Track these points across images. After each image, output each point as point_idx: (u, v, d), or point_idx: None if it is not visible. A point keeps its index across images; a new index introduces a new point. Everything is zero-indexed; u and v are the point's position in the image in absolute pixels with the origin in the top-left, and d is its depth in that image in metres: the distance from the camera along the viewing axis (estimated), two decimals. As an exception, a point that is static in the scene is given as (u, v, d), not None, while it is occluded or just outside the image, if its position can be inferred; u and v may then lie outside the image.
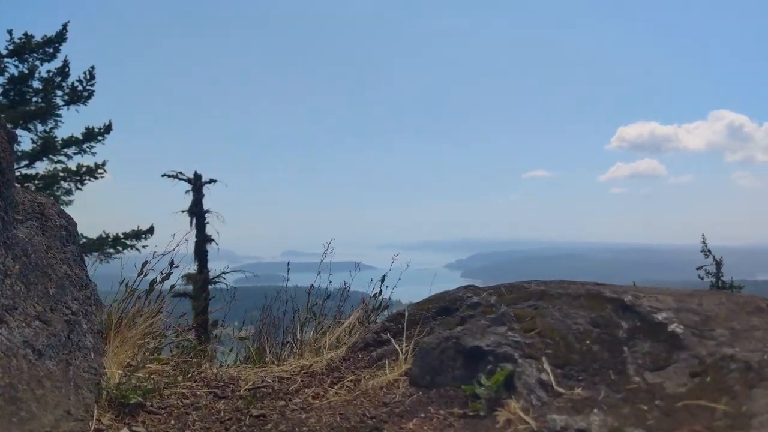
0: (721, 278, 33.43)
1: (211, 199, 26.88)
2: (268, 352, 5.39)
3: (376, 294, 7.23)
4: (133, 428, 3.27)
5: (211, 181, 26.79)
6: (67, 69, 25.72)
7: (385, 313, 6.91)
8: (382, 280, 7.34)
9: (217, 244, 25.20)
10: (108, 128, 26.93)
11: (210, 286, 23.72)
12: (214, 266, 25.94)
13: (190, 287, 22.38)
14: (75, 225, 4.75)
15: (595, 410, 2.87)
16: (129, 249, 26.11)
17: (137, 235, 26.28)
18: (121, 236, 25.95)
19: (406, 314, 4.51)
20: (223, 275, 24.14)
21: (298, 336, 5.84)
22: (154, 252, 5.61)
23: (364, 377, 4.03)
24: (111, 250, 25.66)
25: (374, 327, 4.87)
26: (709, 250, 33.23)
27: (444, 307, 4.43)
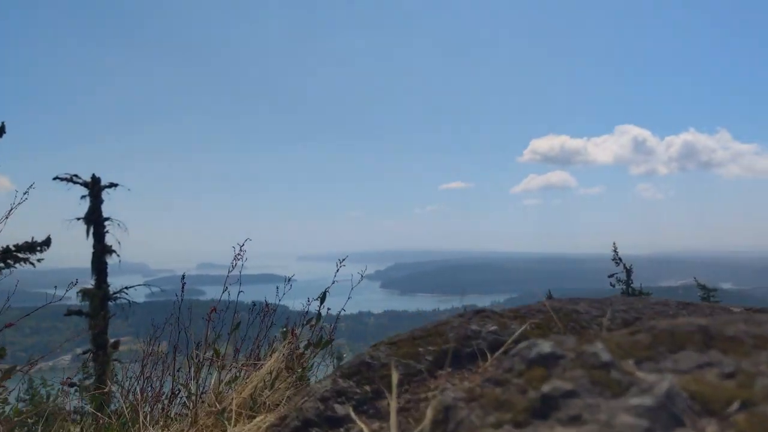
0: (631, 285, 34.78)
1: (114, 207, 24.56)
2: (141, 415, 3.67)
3: (310, 321, 4.85)
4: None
5: (112, 185, 23.99)
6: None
7: (333, 357, 4.96)
8: (322, 299, 5.07)
9: (118, 255, 22.69)
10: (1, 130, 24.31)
11: (111, 302, 21.73)
12: (122, 280, 23.88)
13: (87, 304, 20.54)
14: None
15: None
16: (22, 264, 22.77)
17: (31, 247, 23.01)
18: (13, 249, 22.76)
19: (376, 363, 2.39)
20: (125, 290, 21.99)
21: (192, 388, 3.76)
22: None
23: None
24: (0, 265, 22.76)
25: (319, 389, 2.37)
26: (620, 259, 34.53)
27: (448, 352, 2.37)
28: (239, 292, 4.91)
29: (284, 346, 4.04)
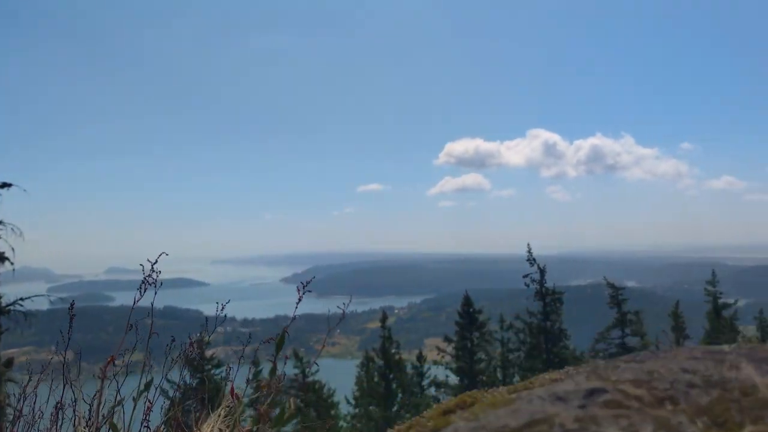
0: (545, 285, 35.86)
1: (9, 210, 21.97)
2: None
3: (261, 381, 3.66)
4: None
5: (5, 185, 21.48)
6: None
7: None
8: (279, 345, 3.75)
9: (12, 262, 20.58)
10: None
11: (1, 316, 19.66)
12: (23, 287, 21.89)
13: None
14: None
15: None
16: None
17: None
18: None
19: None
20: (20, 301, 19.90)
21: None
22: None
23: None
24: None
25: None
26: (534, 259, 35.52)
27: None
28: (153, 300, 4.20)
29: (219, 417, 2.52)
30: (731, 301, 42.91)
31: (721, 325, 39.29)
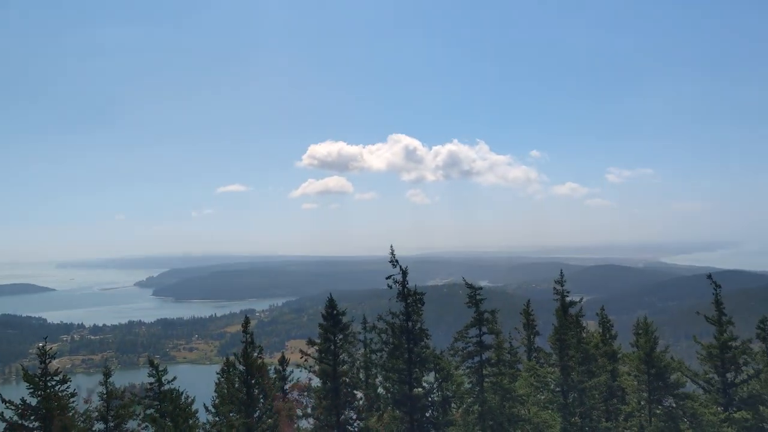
0: (407, 286, 36.43)
1: None
2: None
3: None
4: None
5: None
6: None
7: None
8: None
9: None
10: None
11: None
12: None
13: None
14: None
15: None
16: None
17: None
18: None
19: None
20: None
21: None
22: None
23: None
24: None
25: None
26: (397, 261, 35.97)
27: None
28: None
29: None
30: (577, 299, 45.86)
31: (567, 321, 41.83)
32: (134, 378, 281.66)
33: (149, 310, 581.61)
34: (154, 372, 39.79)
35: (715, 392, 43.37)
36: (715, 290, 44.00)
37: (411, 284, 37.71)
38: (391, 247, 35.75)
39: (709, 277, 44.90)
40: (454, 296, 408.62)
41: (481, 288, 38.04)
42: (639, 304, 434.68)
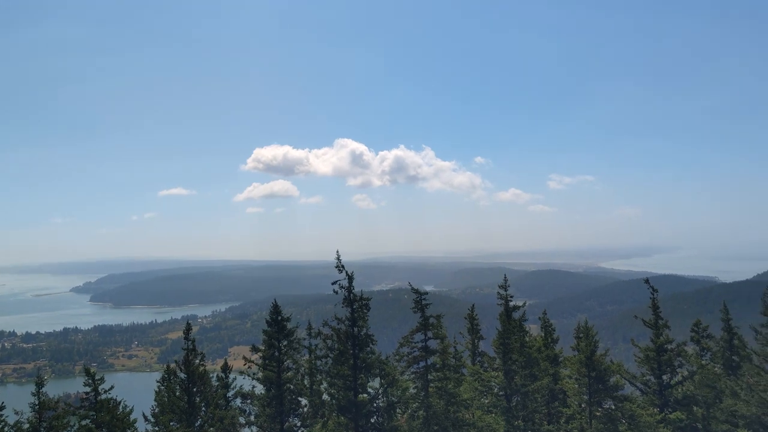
0: (353, 291, 36.14)
1: None
2: None
3: None
4: None
5: None
6: None
7: None
8: None
9: None
10: None
11: None
12: None
13: None
14: None
15: None
16: None
17: None
18: None
19: None
20: None
21: None
22: None
23: None
24: None
25: None
26: (343, 266, 35.68)
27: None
28: None
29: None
30: (520, 303, 46.57)
31: (511, 326, 42.36)
32: (70, 387, 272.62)
33: (86, 316, 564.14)
34: (90, 381, 38.36)
35: (652, 394, 44.72)
36: (652, 295, 45.40)
37: (357, 289, 37.53)
38: (337, 252, 35.54)
39: (647, 281, 46.31)
40: (399, 301, 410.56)
41: (426, 293, 38.14)
42: (579, 308, 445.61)
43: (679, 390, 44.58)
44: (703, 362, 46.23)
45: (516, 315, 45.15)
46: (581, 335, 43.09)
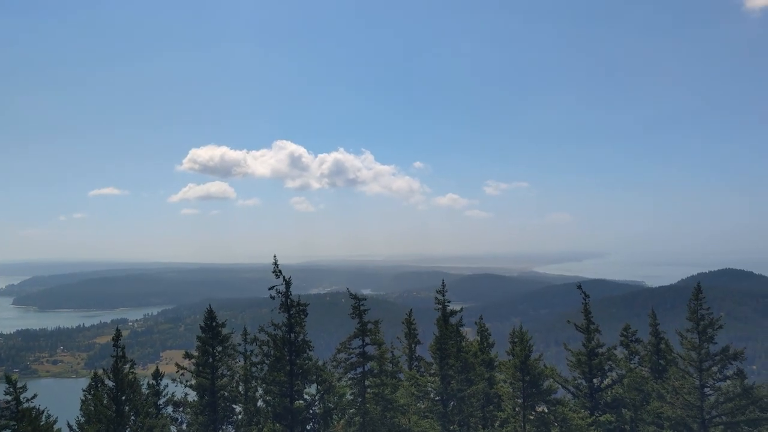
0: (290, 296, 35.62)
1: None
2: None
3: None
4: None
5: None
6: None
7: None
8: None
9: None
10: None
11: None
12: None
13: None
14: None
15: None
16: None
17: None
18: None
19: None
20: None
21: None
22: None
23: None
24: None
25: None
26: (280, 271, 35.13)
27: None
28: None
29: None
30: (457, 308, 46.95)
31: (448, 331, 42.63)
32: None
33: (8, 320, 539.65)
34: (11, 389, 36.54)
35: (583, 397, 45.84)
36: (584, 300, 46.58)
37: (294, 293, 37.09)
38: (275, 257, 34.99)
39: (579, 287, 47.42)
40: (336, 305, 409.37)
41: (364, 299, 37.95)
42: (514, 312, 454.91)
43: (609, 393, 45.82)
44: (632, 366, 47.69)
45: (453, 320, 45.49)
46: (516, 340, 43.77)
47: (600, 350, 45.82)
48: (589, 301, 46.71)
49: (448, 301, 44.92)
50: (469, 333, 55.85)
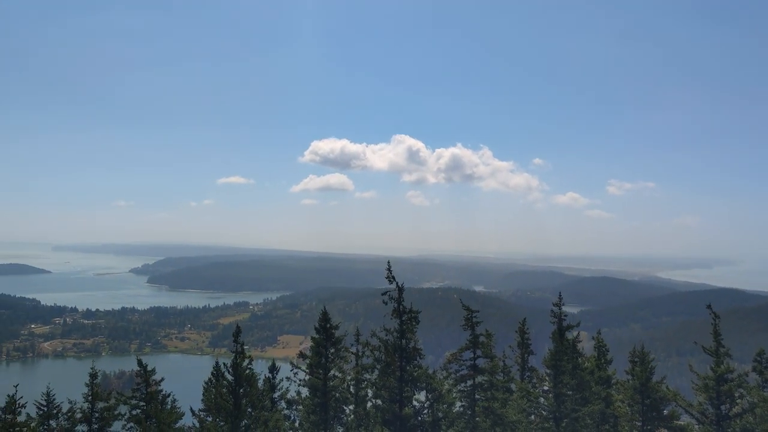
0: (402, 303, 35.36)
1: None
2: None
3: None
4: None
5: None
6: None
7: None
8: None
9: None
10: None
11: None
12: None
13: None
14: None
15: None
16: None
17: None
18: None
19: None
20: None
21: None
22: None
23: None
24: None
25: None
26: (393, 277, 35.06)
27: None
28: None
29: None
30: (574, 320, 45.15)
31: (564, 347, 41.15)
32: (124, 365, 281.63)
33: (143, 297, 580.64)
34: (141, 371, 39.08)
35: (709, 424, 42.79)
36: (714, 321, 43.35)
37: (406, 285, 37.01)
38: (389, 263, 35.08)
39: (709, 307, 44.28)
40: (448, 300, 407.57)
41: (477, 311, 37.37)
42: (633, 318, 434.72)
43: (738, 422, 42.58)
44: (765, 395, 44.07)
45: (569, 334, 43.84)
46: (636, 360, 41.63)
47: (730, 376, 42.61)
48: (719, 322, 43.51)
49: (565, 315, 43.32)
50: (585, 337, 53.61)
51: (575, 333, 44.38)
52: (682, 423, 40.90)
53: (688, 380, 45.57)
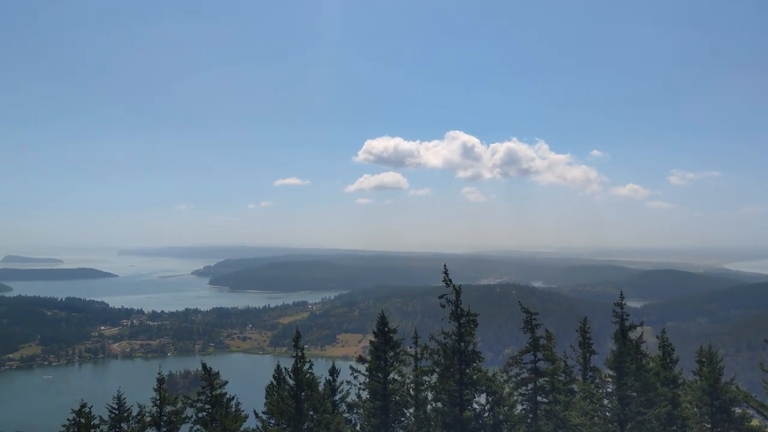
0: (460, 306, 35.08)
1: None
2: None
3: None
4: None
5: None
6: None
7: None
8: None
9: None
10: None
11: None
12: None
13: None
14: None
15: None
16: None
17: None
18: None
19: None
20: None
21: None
22: None
23: None
24: None
25: None
26: (450, 280, 34.87)
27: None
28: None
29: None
30: (637, 322, 43.99)
31: (627, 348, 40.16)
32: (189, 364, 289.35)
33: (205, 298, 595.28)
34: (206, 375, 40.06)
35: (783, 426, 41.20)
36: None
37: (464, 283, 36.80)
38: (445, 266, 35.02)
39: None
40: (506, 297, 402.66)
41: (536, 313, 36.91)
42: (700, 311, 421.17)
43: (816, 423, 40.80)
44: None
45: (633, 334, 42.74)
46: (704, 360, 40.37)
47: (806, 377, 40.80)
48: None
49: (627, 315, 42.27)
50: (649, 332, 51.99)
51: (639, 332, 43.23)
52: (755, 424, 39.41)
53: (759, 376, 43.70)
